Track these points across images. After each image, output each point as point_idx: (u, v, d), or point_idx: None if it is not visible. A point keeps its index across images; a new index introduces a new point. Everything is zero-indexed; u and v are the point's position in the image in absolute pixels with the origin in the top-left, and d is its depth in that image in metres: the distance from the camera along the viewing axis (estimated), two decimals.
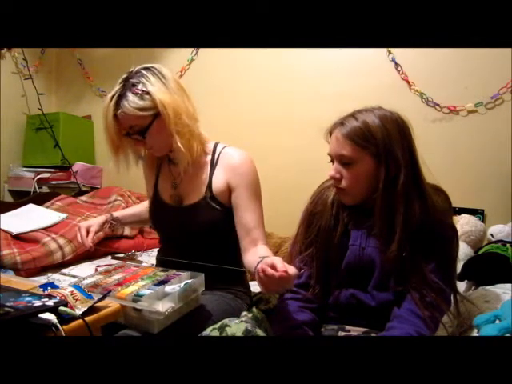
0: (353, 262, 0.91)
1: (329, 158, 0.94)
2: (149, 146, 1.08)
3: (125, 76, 1.04)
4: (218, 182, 1.11)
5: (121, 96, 1.01)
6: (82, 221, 1.91)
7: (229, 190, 1.11)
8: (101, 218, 1.28)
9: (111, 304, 0.81)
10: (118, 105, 1.01)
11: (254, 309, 1.06)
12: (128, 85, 1.02)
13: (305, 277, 0.95)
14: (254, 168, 1.13)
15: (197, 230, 1.10)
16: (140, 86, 1.01)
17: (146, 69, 1.04)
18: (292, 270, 0.77)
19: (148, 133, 1.04)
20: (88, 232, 1.21)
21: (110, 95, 1.03)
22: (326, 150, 0.94)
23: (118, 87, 1.03)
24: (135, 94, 1.00)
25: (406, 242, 0.85)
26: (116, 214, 1.35)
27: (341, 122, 0.89)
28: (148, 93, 1.01)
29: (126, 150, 1.12)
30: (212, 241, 1.12)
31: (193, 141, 1.08)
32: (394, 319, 0.84)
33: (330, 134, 0.92)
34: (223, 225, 1.12)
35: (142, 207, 1.38)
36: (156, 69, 1.05)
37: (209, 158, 1.14)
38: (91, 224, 1.24)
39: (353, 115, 0.89)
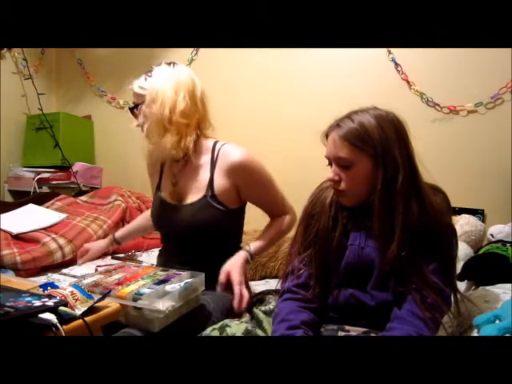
0: (352, 262, 0.91)
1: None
2: (142, 122, 1.14)
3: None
4: (221, 181, 1.12)
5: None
6: (82, 221, 1.91)
7: (234, 191, 1.12)
8: (103, 244, 1.44)
9: (111, 304, 0.81)
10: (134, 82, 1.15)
11: (255, 309, 1.06)
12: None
13: (304, 277, 0.94)
14: (255, 162, 1.14)
15: (196, 228, 1.10)
16: (152, 71, 1.13)
17: (169, 63, 1.16)
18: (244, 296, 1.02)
19: (138, 109, 1.14)
20: (84, 253, 1.41)
21: None
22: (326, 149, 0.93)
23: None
24: (146, 76, 1.13)
25: (405, 242, 0.84)
26: (118, 233, 1.46)
27: (337, 124, 0.88)
28: (151, 76, 1.12)
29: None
30: (211, 240, 1.12)
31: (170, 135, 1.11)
32: (395, 320, 0.83)
33: (327, 136, 0.92)
34: (223, 225, 1.12)
35: (143, 218, 1.43)
36: (176, 64, 1.16)
37: (208, 156, 1.14)
38: (90, 247, 1.42)
39: (348, 116, 0.88)
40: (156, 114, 1.09)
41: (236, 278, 1.03)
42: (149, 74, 1.13)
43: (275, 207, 1.21)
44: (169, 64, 1.14)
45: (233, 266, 1.06)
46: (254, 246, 1.14)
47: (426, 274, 0.84)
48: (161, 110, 1.08)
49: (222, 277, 1.04)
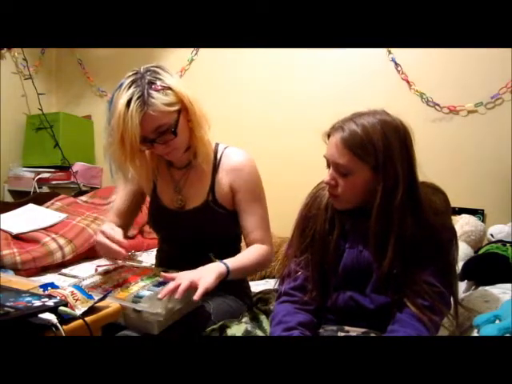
0: (350, 265, 0.89)
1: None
2: (173, 147, 1.02)
3: (132, 78, 0.96)
4: (221, 185, 1.10)
5: (142, 97, 0.93)
6: (82, 221, 1.91)
7: (232, 193, 1.11)
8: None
9: (111, 304, 0.81)
10: (143, 106, 0.93)
11: (255, 309, 1.05)
12: (143, 84, 0.94)
13: (301, 280, 0.92)
14: (256, 169, 1.13)
15: (198, 234, 1.09)
16: (159, 83, 0.96)
17: (154, 67, 0.99)
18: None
19: (178, 130, 0.99)
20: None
21: (124, 100, 0.94)
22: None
23: (131, 90, 0.94)
24: (158, 90, 0.95)
25: (397, 258, 0.83)
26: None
27: (340, 127, 0.85)
28: (169, 88, 0.97)
29: (142, 159, 1.07)
30: (214, 242, 1.12)
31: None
32: (396, 323, 0.83)
33: (329, 136, 0.89)
34: (226, 228, 1.11)
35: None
36: (161, 66, 1.01)
37: (212, 155, 1.12)
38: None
39: (353, 120, 0.84)
40: (198, 122, 1.02)
41: (202, 287, 0.86)
42: (159, 87, 0.95)
43: (259, 226, 1.11)
44: (156, 68, 1.00)
45: (206, 279, 0.88)
46: (232, 263, 0.98)
47: (426, 278, 0.83)
48: (201, 113, 1.03)
49: (186, 284, 0.85)
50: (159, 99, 0.94)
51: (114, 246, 0.98)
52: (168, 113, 0.97)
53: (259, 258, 1.07)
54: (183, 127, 1.02)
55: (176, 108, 0.98)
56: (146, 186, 1.17)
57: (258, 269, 1.15)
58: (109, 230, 1.01)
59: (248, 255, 1.07)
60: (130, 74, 0.99)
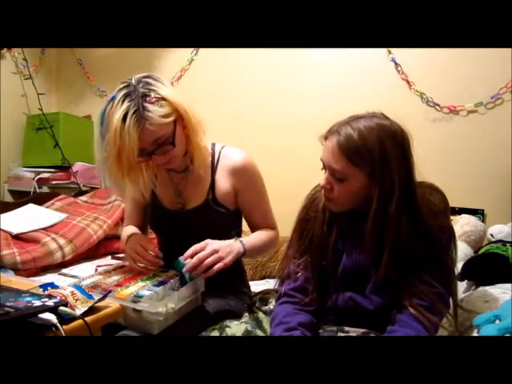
0: (349, 266, 0.89)
1: None
2: (172, 156, 1.01)
3: (124, 92, 0.94)
4: (222, 185, 1.10)
5: (138, 111, 0.92)
6: (82, 221, 1.91)
7: (233, 193, 1.11)
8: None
9: (111, 304, 0.81)
10: (140, 120, 0.92)
11: (255, 309, 1.06)
12: (137, 98, 0.93)
13: (301, 281, 0.92)
14: (255, 166, 1.14)
15: (199, 233, 1.09)
16: (153, 94, 0.94)
17: (145, 77, 0.98)
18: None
19: (176, 140, 0.99)
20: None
21: (119, 116, 0.92)
22: None
23: (125, 105, 0.92)
24: (153, 103, 0.93)
25: (394, 262, 0.83)
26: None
27: (337, 130, 0.84)
28: (164, 98, 0.95)
29: (137, 172, 1.05)
30: None
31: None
32: (395, 323, 0.83)
33: (325, 138, 0.88)
34: (226, 227, 1.11)
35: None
36: (153, 76, 1.00)
37: (208, 159, 1.13)
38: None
39: (350, 124, 0.83)
40: (193, 129, 1.02)
41: (220, 266, 0.96)
42: (153, 99, 0.94)
43: (265, 217, 1.17)
44: (148, 78, 0.98)
45: (223, 263, 0.97)
46: (248, 243, 1.05)
47: (424, 279, 0.83)
48: (196, 120, 1.02)
49: (209, 259, 0.95)
50: (155, 112, 0.93)
51: (151, 258, 1.06)
52: (165, 124, 0.96)
53: (270, 239, 1.15)
54: (180, 136, 1.01)
55: (172, 118, 0.97)
56: (145, 193, 1.15)
57: (268, 250, 1.21)
58: (140, 239, 1.08)
59: (260, 236, 1.13)
60: (122, 86, 0.96)
